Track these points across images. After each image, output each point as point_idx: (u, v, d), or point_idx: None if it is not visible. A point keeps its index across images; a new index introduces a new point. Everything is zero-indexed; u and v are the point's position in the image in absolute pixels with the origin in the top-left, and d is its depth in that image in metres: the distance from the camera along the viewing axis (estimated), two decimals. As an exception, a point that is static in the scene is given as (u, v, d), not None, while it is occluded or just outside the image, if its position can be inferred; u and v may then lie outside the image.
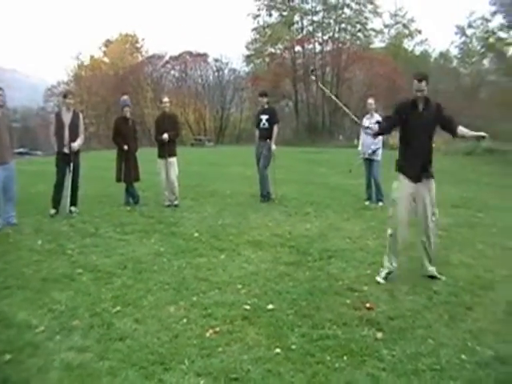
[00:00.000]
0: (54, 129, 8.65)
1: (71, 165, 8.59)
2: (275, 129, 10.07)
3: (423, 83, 5.06)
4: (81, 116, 9.05)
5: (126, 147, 9.54)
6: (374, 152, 9.78)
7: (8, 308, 4.50)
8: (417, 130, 5.19)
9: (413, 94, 5.17)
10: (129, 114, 9.86)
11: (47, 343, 3.79)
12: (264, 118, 10.11)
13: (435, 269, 5.35)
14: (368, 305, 4.50)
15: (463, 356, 3.55)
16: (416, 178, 5.23)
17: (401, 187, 5.31)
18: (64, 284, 5.14)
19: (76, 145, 8.61)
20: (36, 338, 3.87)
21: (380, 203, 9.71)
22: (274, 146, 10.04)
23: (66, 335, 3.92)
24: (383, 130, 5.56)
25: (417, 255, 5.57)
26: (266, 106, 10.35)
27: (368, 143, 9.76)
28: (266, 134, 10.07)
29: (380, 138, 9.72)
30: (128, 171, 9.60)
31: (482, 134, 4.98)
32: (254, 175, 10.46)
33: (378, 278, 5.21)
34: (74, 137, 8.62)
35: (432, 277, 5.28)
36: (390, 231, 5.30)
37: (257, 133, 10.40)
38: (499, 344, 3.75)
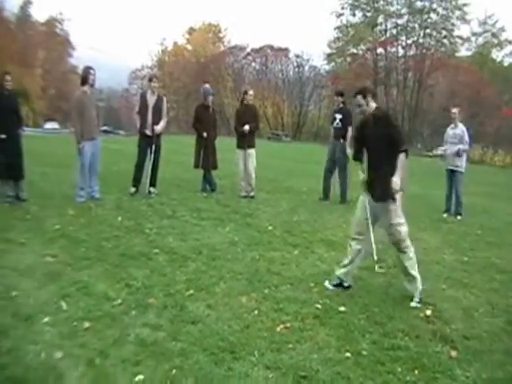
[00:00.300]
0: (137, 108, 8.91)
1: (153, 146, 8.83)
2: (349, 131, 9.93)
3: (357, 97, 4.82)
4: (165, 99, 9.28)
5: (205, 134, 9.64)
6: (456, 158, 9.42)
7: (88, 278, 4.71)
8: (370, 146, 4.90)
9: None
10: (210, 102, 9.97)
11: (123, 317, 3.92)
12: (338, 117, 10.01)
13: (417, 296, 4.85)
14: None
15: (543, 386, 3.38)
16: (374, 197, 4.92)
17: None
18: (141, 262, 5.31)
19: (159, 127, 8.83)
20: (113, 310, 4.02)
21: (458, 217, 9.40)
22: (348, 150, 9.81)
23: (142, 311, 4.04)
24: (355, 151, 5.20)
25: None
26: (342, 106, 10.24)
27: (452, 153, 9.46)
28: (339, 134, 9.98)
29: (466, 145, 9.43)
30: (206, 158, 9.71)
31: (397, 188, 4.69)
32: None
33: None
34: (157, 119, 8.85)
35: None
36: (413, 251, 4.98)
37: (332, 131, 10.33)
38: None
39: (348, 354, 3.59)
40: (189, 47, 65.97)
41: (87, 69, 8.26)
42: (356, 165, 5.18)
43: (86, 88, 8.07)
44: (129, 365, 3.23)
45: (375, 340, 3.86)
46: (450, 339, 3.99)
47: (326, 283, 5.02)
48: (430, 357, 3.66)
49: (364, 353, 3.64)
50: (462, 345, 3.92)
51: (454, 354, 3.75)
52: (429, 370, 3.48)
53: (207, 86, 10.24)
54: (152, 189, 9.02)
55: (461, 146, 9.37)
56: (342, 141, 9.92)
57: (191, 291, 4.55)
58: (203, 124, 9.73)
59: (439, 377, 3.40)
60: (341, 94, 10.51)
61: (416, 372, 3.43)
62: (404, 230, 4.88)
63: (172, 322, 3.90)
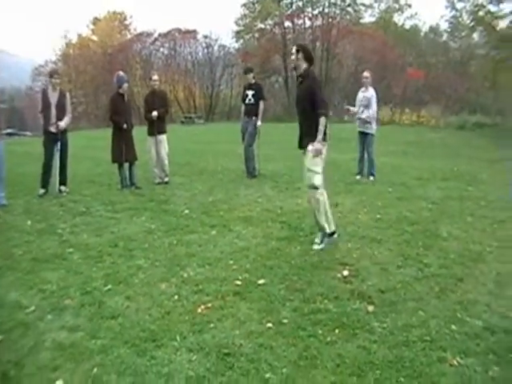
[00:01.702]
0: (40, 107, 8.56)
1: (58, 144, 8.51)
2: (261, 105, 9.99)
3: (293, 50, 5.45)
4: (67, 95, 8.92)
5: (125, 126, 9.03)
6: (366, 123, 9.70)
7: (-2, 289, 4.48)
8: (296, 104, 5.53)
9: None
10: (125, 90, 9.30)
11: (38, 323, 3.78)
12: (250, 93, 10.01)
13: (319, 237, 5.57)
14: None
15: (453, 327, 3.57)
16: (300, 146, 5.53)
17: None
18: (55, 264, 5.13)
19: (63, 124, 8.52)
20: (27, 318, 3.86)
21: (371, 177, 9.70)
22: (259, 123, 9.96)
23: (58, 314, 3.92)
24: None
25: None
26: (253, 81, 10.25)
27: (364, 118, 9.71)
28: (252, 110, 9.99)
29: (374, 109, 9.70)
30: (128, 151, 9.13)
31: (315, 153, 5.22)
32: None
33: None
34: (61, 116, 8.54)
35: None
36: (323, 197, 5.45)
37: (242, 108, 10.33)
38: (489, 314, 3.78)
39: (270, 325, 3.65)
40: (94, 38, 63.76)
41: None
42: None
43: None
44: (46, 371, 3.13)
45: (296, 307, 3.95)
46: (367, 295, 4.15)
47: (315, 246, 5.43)
48: (349, 315, 3.79)
49: (285, 321, 3.71)
50: (379, 299, 4.09)
51: (371, 308, 3.91)
52: (348, 327, 3.61)
53: (121, 73, 9.72)
54: (63, 187, 8.70)
55: (363, 115, 9.64)
56: (253, 117, 9.93)
57: (109, 286, 4.46)
58: (121, 115, 9.08)
59: (358, 332, 3.53)
60: (250, 71, 10.49)
61: (336, 331, 3.54)
62: (318, 178, 5.34)
63: (91, 320, 3.81)
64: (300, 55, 5.31)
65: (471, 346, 3.32)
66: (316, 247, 5.38)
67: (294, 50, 5.36)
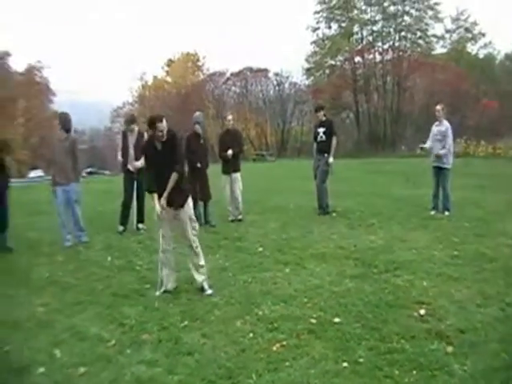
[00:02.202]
0: (120, 146, 8.98)
1: (136, 183, 8.85)
2: (333, 141, 9.98)
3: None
4: (145, 135, 9.27)
5: (198, 165, 9.19)
6: (441, 158, 9.49)
7: (81, 322, 4.69)
8: None
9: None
10: (200, 130, 9.45)
11: (118, 357, 3.91)
12: (321, 130, 10.04)
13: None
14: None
15: (540, 371, 3.40)
16: None
17: None
18: (133, 299, 5.30)
19: (139, 163, 8.85)
20: (107, 352, 4.01)
21: (446, 212, 9.43)
22: (331, 159, 9.91)
23: (136, 349, 4.04)
24: None
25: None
26: (324, 119, 10.29)
27: (437, 149, 9.53)
28: (324, 147, 9.99)
29: (450, 143, 9.50)
30: (202, 190, 9.26)
31: None
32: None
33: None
34: (138, 156, 8.87)
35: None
36: None
37: (314, 146, 10.36)
38: None
39: (345, 364, 3.61)
40: (168, 79, 66.30)
41: (60, 114, 8.40)
42: None
43: (59, 133, 8.14)
44: (127, 405, 3.23)
45: (371, 346, 3.89)
46: (445, 335, 4.03)
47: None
48: (427, 355, 3.69)
49: (361, 360, 3.65)
50: (458, 339, 3.95)
51: (450, 349, 3.78)
52: (426, 368, 3.51)
53: (198, 114, 10.00)
54: (140, 225, 9.00)
55: (441, 152, 9.44)
56: (325, 155, 9.93)
57: (186, 322, 4.55)
58: (195, 154, 9.22)
59: (437, 374, 3.43)
60: (321, 109, 10.57)
61: (414, 372, 3.46)
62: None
63: (168, 355, 3.90)
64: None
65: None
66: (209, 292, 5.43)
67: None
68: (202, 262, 5.60)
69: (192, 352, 3.93)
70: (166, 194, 5.32)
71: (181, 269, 6.28)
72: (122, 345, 4.12)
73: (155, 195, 5.42)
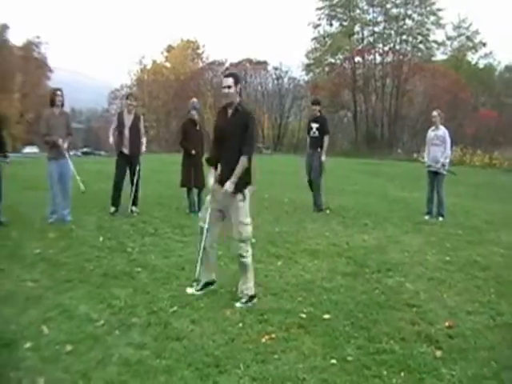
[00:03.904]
0: (114, 126, 8.90)
1: (132, 166, 8.81)
2: (326, 139, 10.00)
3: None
4: (142, 118, 9.23)
5: (193, 152, 9.18)
6: (443, 165, 9.55)
7: (70, 301, 4.65)
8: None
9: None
10: (196, 116, 9.43)
11: (106, 337, 3.88)
12: (314, 126, 10.05)
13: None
14: (447, 323, 4.36)
15: (528, 380, 3.41)
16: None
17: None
18: (123, 281, 5.27)
19: (143, 148, 8.86)
20: (96, 332, 3.97)
21: (440, 218, 9.49)
22: (323, 157, 9.95)
23: (125, 331, 4.00)
24: None
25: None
26: (318, 115, 10.29)
27: (435, 156, 9.57)
28: (316, 143, 10.03)
29: (448, 147, 9.56)
30: (197, 176, 9.21)
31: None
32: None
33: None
34: (134, 138, 8.82)
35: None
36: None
37: (308, 140, 10.39)
38: None
39: (334, 361, 3.59)
40: (167, 65, 65.84)
41: (54, 90, 8.34)
42: None
43: (53, 109, 8.06)
44: (113, 386, 3.20)
45: (360, 345, 3.88)
46: (434, 339, 4.02)
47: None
48: (416, 358, 3.68)
49: (349, 358, 3.64)
50: (447, 344, 3.95)
51: (439, 353, 3.78)
52: (415, 371, 3.50)
53: (194, 100, 9.99)
54: (134, 208, 8.98)
55: (441, 160, 9.50)
56: (318, 150, 9.97)
57: (175, 308, 4.52)
58: (191, 141, 9.25)
59: (425, 377, 3.43)
60: (317, 103, 10.57)
61: (402, 374, 3.45)
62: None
63: (156, 339, 3.87)
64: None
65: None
66: (239, 305, 4.68)
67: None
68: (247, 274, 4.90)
69: (180, 338, 3.90)
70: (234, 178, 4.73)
71: (170, 255, 6.28)
72: (110, 326, 4.09)
73: (212, 169, 4.97)
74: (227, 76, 4.82)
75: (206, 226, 4.91)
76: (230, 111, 4.82)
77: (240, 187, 4.79)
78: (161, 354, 3.63)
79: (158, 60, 66.51)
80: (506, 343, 4.03)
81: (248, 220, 4.95)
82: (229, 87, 4.69)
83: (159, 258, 6.15)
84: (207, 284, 5.02)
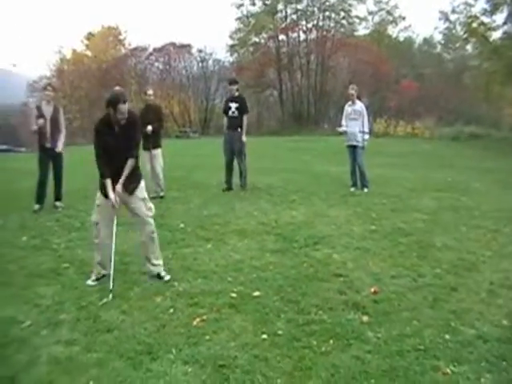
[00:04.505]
0: (34, 121, 8.54)
1: (53, 160, 8.54)
2: (245, 119, 10.04)
3: None
4: (61, 110, 8.92)
5: None
6: (355, 136, 9.82)
7: (-8, 305, 4.48)
8: None
9: None
10: None
11: (34, 338, 3.78)
12: (233, 106, 10.00)
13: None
14: (373, 289, 4.54)
15: (447, 336, 3.62)
16: None
17: None
18: (50, 279, 5.12)
19: (61, 146, 8.56)
20: (22, 334, 3.86)
21: (365, 189, 9.78)
22: (244, 138, 9.98)
23: (53, 329, 3.92)
24: None
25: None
26: (236, 94, 10.24)
27: (353, 130, 9.81)
28: (236, 123, 10.00)
29: (366, 121, 9.83)
30: None
31: None
32: (236, 165, 10.38)
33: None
34: (55, 131, 8.53)
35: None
36: None
37: (225, 121, 10.32)
38: (481, 323, 3.82)
39: (264, 336, 3.67)
40: (88, 53, 63.82)
41: None
42: None
43: None
44: (42, 386, 3.14)
45: (290, 318, 3.98)
46: (361, 306, 4.19)
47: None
48: (344, 325, 3.83)
49: (280, 332, 3.73)
50: (373, 309, 4.13)
51: (365, 318, 3.95)
52: (343, 337, 3.64)
53: (117, 88, 9.73)
54: (58, 203, 8.70)
55: (366, 137, 9.78)
56: (239, 130, 9.96)
57: (104, 300, 4.46)
58: None
59: (353, 342, 3.57)
60: (235, 82, 10.50)
61: (331, 342, 3.58)
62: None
63: (86, 334, 3.81)
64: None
65: (464, 354, 3.36)
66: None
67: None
68: (158, 250, 5.13)
69: (111, 329, 3.87)
70: (121, 180, 4.91)
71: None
72: (37, 326, 3.98)
73: (109, 181, 4.94)
74: None
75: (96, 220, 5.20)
76: None
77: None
78: (91, 347, 3.59)
79: (78, 49, 64.32)
80: (427, 303, 4.25)
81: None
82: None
83: (87, 252, 5.97)
84: (103, 276, 5.01)
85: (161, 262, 5.11)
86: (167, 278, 4.98)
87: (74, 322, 4.04)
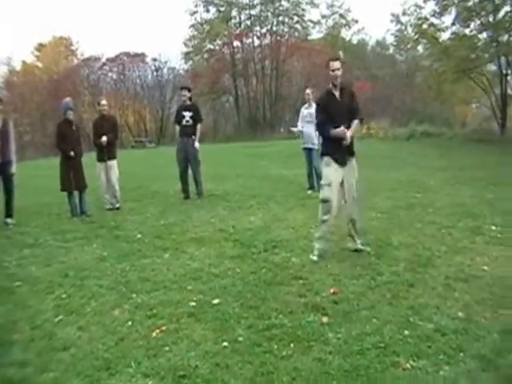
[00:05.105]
0: None
1: (3, 174, 8.29)
2: (199, 127, 10.03)
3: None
4: (11, 124, 8.69)
5: (72, 153, 8.77)
6: (311, 139, 9.89)
7: None
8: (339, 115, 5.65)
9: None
10: (72, 116, 9.06)
11: (-15, 360, 3.63)
12: (187, 114, 9.95)
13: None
14: (332, 290, 4.55)
15: (406, 331, 3.65)
16: (343, 162, 5.65)
17: (332, 172, 5.58)
18: (1, 298, 4.95)
19: (13, 168, 8.34)
20: (-28, 356, 3.71)
21: (322, 191, 9.83)
22: (197, 144, 9.96)
23: (6, 350, 3.78)
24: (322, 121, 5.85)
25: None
26: (189, 103, 10.21)
27: (309, 133, 9.88)
28: (191, 131, 9.95)
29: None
30: (77, 179, 8.88)
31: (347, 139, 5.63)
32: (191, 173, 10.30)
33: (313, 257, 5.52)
34: (4, 145, 8.29)
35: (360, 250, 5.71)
36: (325, 217, 5.56)
37: (177, 129, 10.22)
38: (439, 316, 3.88)
39: (225, 344, 3.63)
40: (39, 64, 62.61)
41: None
42: None
43: None
44: (-6, 409, 3.02)
45: (250, 324, 3.94)
46: (321, 307, 4.18)
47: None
48: (304, 328, 3.81)
49: (240, 339, 3.69)
50: (333, 310, 4.13)
51: (325, 320, 3.94)
52: (303, 340, 3.62)
53: (68, 99, 9.50)
54: (9, 220, 8.41)
55: (319, 139, 9.84)
56: (193, 137, 9.91)
57: (60, 317, 4.34)
58: (68, 142, 8.82)
59: (313, 344, 3.56)
60: (187, 89, 10.47)
61: (292, 345, 3.56)
62: None
63: (40, 353, 3.69)
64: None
65: (423, 348, 3.40)
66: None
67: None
68: None
69: (67, 347, 3.76)
70: None
71: (53, 263, 6.01)
72: (-11, 347, 3.84)
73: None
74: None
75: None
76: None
77: None
78: (47, 367, 3.47)
79: (28, 60, 62.97)
80: (385, 300, 4.28)
81: None
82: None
83: (40, 268, 5.82)
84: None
85: None
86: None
87: (27, 342, 3.90)
